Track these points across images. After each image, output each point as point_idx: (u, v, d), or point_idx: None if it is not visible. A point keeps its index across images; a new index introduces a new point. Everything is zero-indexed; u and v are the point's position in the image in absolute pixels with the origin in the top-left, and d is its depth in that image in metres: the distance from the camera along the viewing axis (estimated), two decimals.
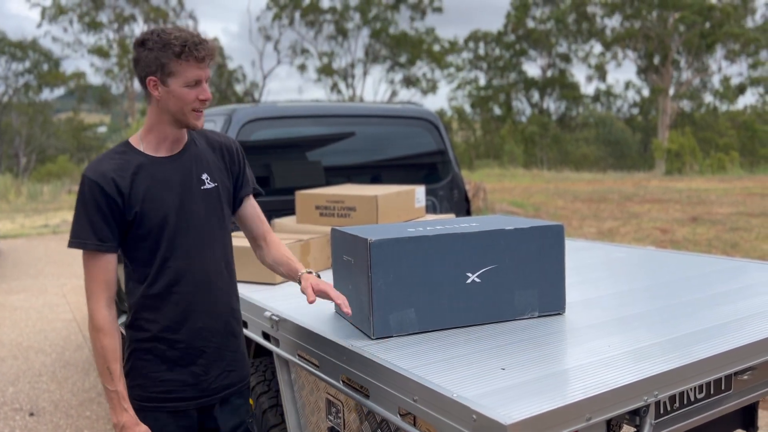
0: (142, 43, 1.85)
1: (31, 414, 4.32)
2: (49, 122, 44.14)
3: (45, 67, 43.40)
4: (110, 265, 1.87)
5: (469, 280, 2.03)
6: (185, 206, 1.93)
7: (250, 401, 2.38)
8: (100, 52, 43.63)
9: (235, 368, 2.06)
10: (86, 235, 1.83)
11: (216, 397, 2.01)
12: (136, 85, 45.37)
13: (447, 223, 2.28)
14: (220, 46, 46.65)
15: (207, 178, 1.99)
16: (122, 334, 1.93)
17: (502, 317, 2.08)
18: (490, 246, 2.05)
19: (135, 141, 1.95)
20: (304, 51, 47.01)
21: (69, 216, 18.45)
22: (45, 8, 43.30)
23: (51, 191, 26.67)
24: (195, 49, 1.82)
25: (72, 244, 1.86)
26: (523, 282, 2.09)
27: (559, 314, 2.15)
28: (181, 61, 1.82)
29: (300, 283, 2.02)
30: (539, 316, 2.12)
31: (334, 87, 47.36)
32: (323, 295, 1.95)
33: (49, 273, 9.72)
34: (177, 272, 1.92)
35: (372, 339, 1.93)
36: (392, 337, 1.95)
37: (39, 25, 57.60)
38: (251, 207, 2.15)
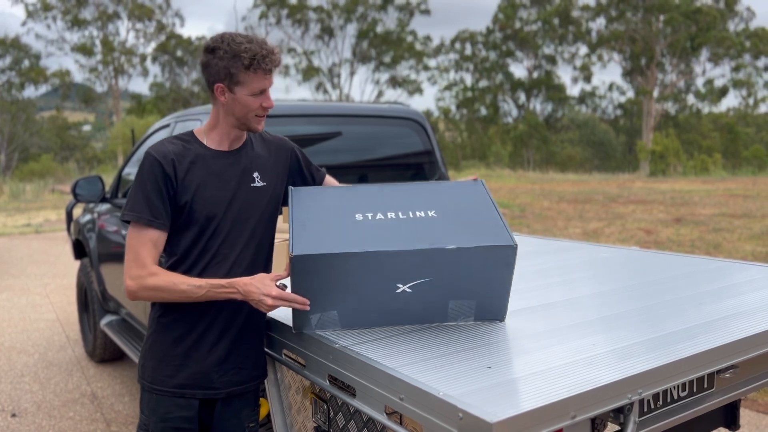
0: (212, 50, 1.94)
1: (13, 415, 4.27)
2: (32, 120, 43.69)
3: (26, 63, 42.91)
4: (160, 240, 1.94)
5: (399, 290, 1.90)
6: (234, 201, 2.01)
7: (263, 402, 2.35)
8: (84, 49, 43.22)
9: (245, 366, 2.10)
10: (141, 208, 1.90)
11: (221, 392, 2.05)
12: (121, 83, 45.13)
13: (396, 206, 2.01)
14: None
15: (258, 177, 2.08)
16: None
17: (434, 321, 2.01)
18: (427, 263, 1.85)
19: (198, 133, 2.05)
20: (291, 50, 46.90)
21: (52, 215, 18.26)
22: (28, 5, 42.75)
23: (34, 190, 26.39)
24: (263, 62, 1.91)
25: (126, 216, 1.92)
26: (460, 293, 1.94)
27: (498, 321, 2.05)
28: (249, 73, 1.92)
29: None
30: (474, 322, 2.04)
31: (320, 87, 47.31)
32: None
33: (31, 273, 9.61)
34: (213, 261, 1.99)
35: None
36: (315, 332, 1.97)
37: (23, 23, 56.96)
38: (329, 182, 2.37)
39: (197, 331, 2.00)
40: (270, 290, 1.83)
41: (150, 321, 2.07)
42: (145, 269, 1.88)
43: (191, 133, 2.05)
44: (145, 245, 1.90)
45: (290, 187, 2.04)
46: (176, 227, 1.98)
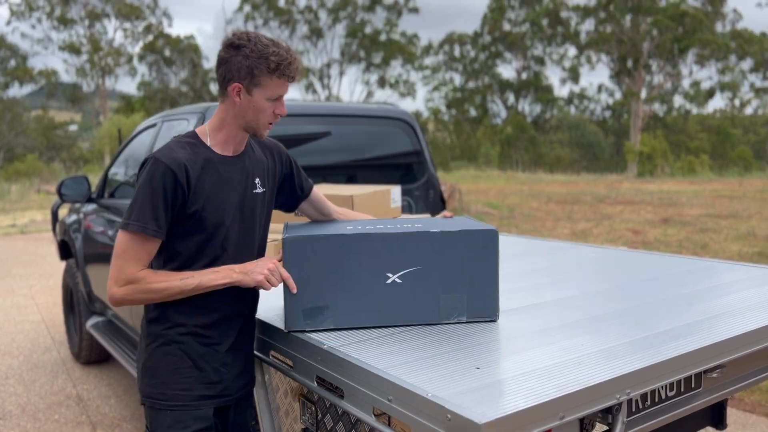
0: (237, 47, 1.85)
1: None
2: (17, 120, 43.23)
3: (12, 62, 42.52)
4: (154, 250, 1.89)
5: (389, 281, 1.95)
6: (241, 207, 1.98)
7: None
8: (72, 49, 42.89)
9: (249, 368, 2.11)
10: (147, 219, 1.83)
11: (233, 398, 2.05)
12: (108, 83, 44.82)
13: (384, 222, 2.18)
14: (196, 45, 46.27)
15: (258, 183, 2.05)
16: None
17: (426, 320, 2.02)
18: (414, 248, 1.95)
19: (202, 134, 1.97)
20: None
21: (38, 216, 18.08)
22: (12, 5, 42.35)
23: (19, 190, 26.12)
24: (288, 69, 1.87)
25: (131, 226, 1.83)
26: (450, 286, 1.99)
27: (492, 321, 2.06)
28: (273, 77, 1.87)
29: None
30: (468, 322, 2.04)
31: (309, 87, 47.24)
32: None
33: (16, 274, 9.51)
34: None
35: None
36: (306, 331, 1.96)
37: (8, 22, 56.37)
38: (316, 194, 2.32)
39: (205, 340, 1.97)
40: (268, 264, 1.89)
41: (150, 335, 1.98)
42: (135, 275, 1.84)
43: (195, 135, 1.96)
44: (141, 254, 1.84)
45: (286, 227, 2.05)
46: (178, 234, 1.90)
